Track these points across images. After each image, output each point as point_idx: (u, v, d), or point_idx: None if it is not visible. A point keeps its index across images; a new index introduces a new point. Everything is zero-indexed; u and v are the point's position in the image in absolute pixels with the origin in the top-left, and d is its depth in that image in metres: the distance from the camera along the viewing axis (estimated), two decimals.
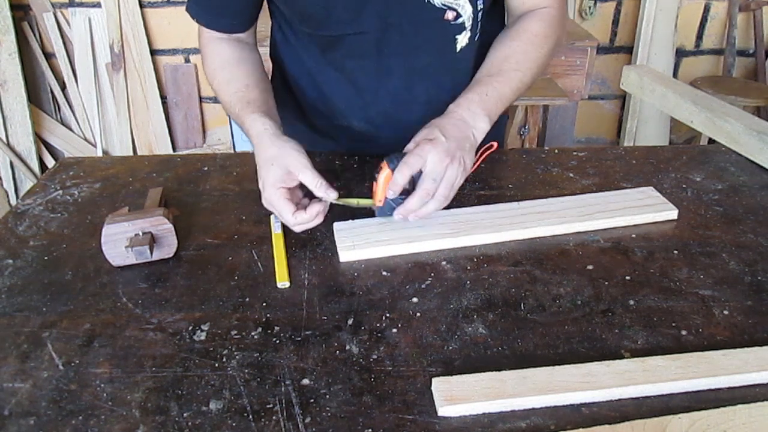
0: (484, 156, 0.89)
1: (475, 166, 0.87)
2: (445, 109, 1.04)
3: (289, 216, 0.79)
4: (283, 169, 0.79)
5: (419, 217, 0.81)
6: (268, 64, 1.14)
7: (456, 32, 0.94)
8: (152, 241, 0.79)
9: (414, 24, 0.91)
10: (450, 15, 0.91)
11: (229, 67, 0.94)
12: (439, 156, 0.78)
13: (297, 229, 0.81)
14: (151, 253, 0.79)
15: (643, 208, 0.89)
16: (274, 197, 0.79)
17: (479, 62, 1.02)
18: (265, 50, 1.25)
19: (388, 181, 0.79)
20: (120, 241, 0.79)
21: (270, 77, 1.17)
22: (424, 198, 0.79)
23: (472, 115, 0.85)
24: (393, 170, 0.79)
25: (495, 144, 0.90)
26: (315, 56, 0.99)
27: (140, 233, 0.79)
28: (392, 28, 0.91)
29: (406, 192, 0.81)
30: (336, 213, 0.91)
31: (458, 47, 0.96)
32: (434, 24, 0.92)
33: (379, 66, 0.96)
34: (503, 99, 0.88)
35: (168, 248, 0.81)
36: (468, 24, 0.93)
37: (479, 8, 0.92)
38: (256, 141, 0.84)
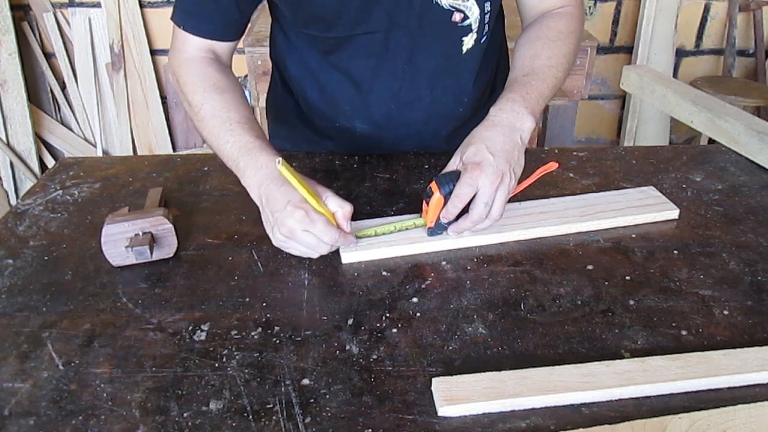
0: (540, 175, 0.88)
1: (531, 182, 0.86)
2: (447, 111, 1.04)
3: (323, 225, 0.74)
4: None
5: (474, 232, 0.83)
6: (268, 65, 1.14)
7: (462, 34, 0.94)
8: (152, 241, 0.79)
9: (421, 25, 0.91)
10: (457, 17, 0.91)
11: (219, 94, 0.88)
12: (489, 180, 0.77)
13: (323, 250, 0.77)
14: (151, 253, 0.78)
15: (644, 208, 0.89)
16: (301, 212, 0.73)
17: (484, 65, 1.03)
18: (265, 50, 1.25)
19: (439, 205, 0.80)
20: (120, 241, 0.79)
21: (270, 78, 1.17)
22: (477, 221, 0.80)
23: (517, 117, 0.83)
24: (444, 196, 0.79)
25: (555, 164, 0.88)
26: (318, 57, 0.99)
27: (140, 233, 0.79)
28: (399, 29, 0.91)
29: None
30: None
31: (464, 49, 0.96)
32: (441, 25, 0.92)
33: (385, 66, 0.96)
34: (543, 96, 0.87)
35: (168, 248, 0.81)
36: (474, 26, 0.93)
37: (486, 11, 0.92)
38: (272, 180, 0.78)
